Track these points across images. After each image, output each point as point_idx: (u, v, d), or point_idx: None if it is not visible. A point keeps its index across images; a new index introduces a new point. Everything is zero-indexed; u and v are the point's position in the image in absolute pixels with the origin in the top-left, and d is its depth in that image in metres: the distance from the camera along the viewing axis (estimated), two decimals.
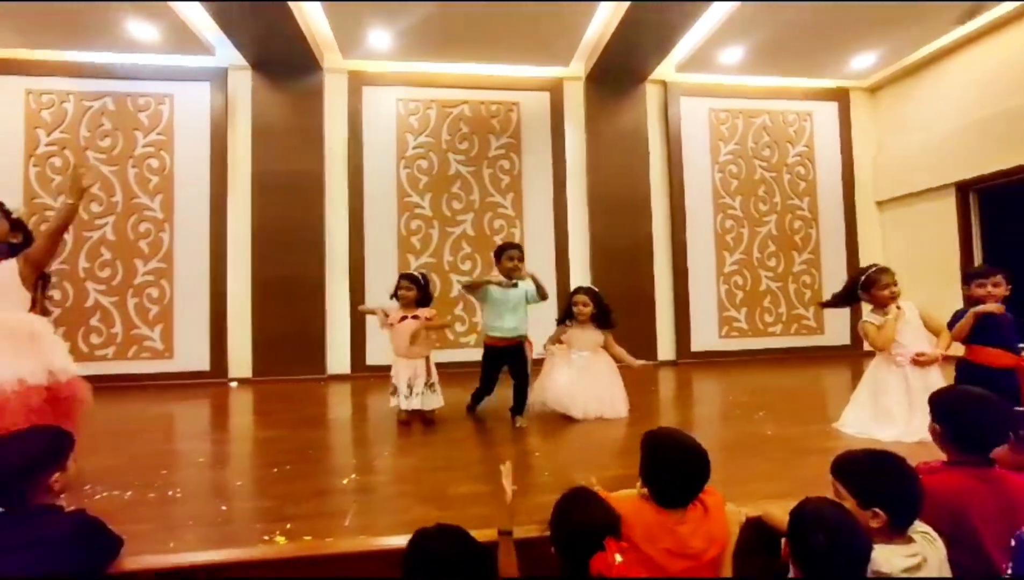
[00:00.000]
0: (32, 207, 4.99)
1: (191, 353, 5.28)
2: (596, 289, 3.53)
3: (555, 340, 3.50)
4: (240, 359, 5.35)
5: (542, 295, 3.28)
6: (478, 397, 3.45)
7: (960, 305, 2.93)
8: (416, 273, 3.36)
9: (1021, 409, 1.78)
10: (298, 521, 1.79)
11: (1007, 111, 4.96)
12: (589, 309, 3.36)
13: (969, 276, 2.91)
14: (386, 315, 3.30)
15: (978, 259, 5.40)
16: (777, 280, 6.28)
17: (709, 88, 6.19)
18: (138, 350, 5.23)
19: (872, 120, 6.56)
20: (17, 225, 2.19)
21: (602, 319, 3.40)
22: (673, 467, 1.49)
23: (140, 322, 5.24)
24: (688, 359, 5.94)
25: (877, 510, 1.32)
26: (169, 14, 4.62)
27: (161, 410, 4.11)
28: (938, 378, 2.74)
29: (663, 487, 1.49)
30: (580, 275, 5.85)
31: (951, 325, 2.83)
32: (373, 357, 5.43)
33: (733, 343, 6.12)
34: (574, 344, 3.43)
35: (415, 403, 3.16)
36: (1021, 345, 2.67)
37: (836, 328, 6.24)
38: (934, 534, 1.37)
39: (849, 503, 1.36)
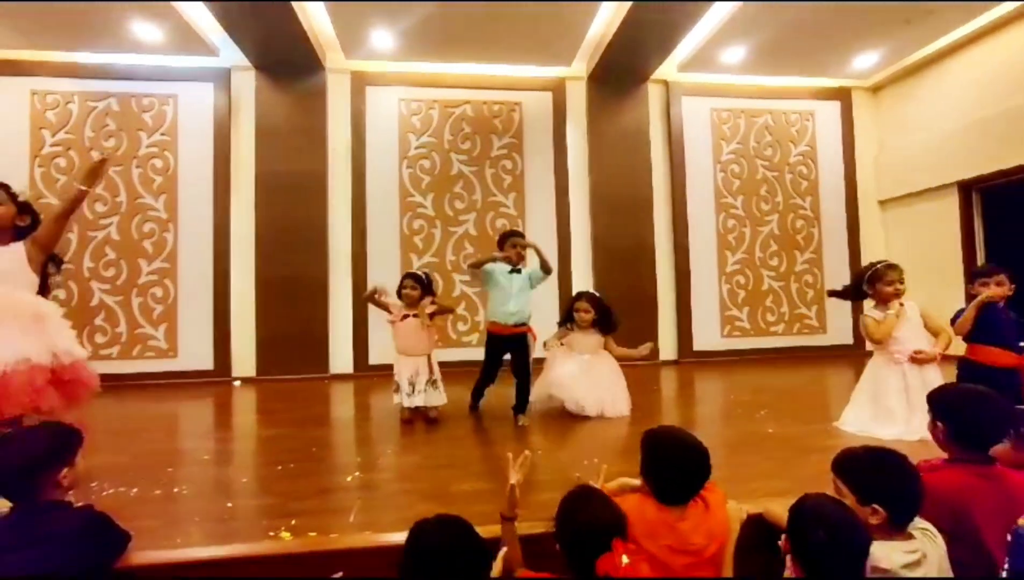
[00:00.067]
0: (38, 207, 5.01)
1: (195, 352, 5.31)
2: (597, 294, 3.56)
3: (557, 341, 3.52)
4: (244, 358, 5.37)
5: (546, 269, 3.30)
6: (479, 391, 3.43)
7: (963, 304, 2.92)
8: (420, 272, 3.37)
9: (1022, 407, 1.78)
10: (303, 517, 1.80)
11: (1009, 110, 4.96)
12: (590, 316, 3.39)
13: (973, 275, 2.92)
14: (390, 312, 3.31)
15: (980, 259, 5.39)
16: (779, 279, 6.28)
17: (711, 88, 6.20)
18: (142, 349, 5.26)
19: (874, 119, 6.56)
20: (24, 208, 2.17)
21: (604, 324, 3.42)
22: (674, 465, 1.51)
23: (144, 321, 5.27)
24: (690, 359, 5.94)
25: (876, 507, 1.33)
26: (173, 15, 4.65)
27: (165, 409, 4.14)
28: (936, 377, 2.74)
29: (664, 484, 1.51)
30: (582, 274, 5.87)
31: (954, 322, 2.83)
32: (376, 356, 5.45)
33: (735, 343, 6.12)
34: (575, 347, 3.46)
35: (418, 400, 3.18)
36: (1022, 344, 2.68)
37: (838, 327, 6.24)
38: (934, 530, 1.38)
39: (849, 500, 1.37)
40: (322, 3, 4.64)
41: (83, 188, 2.07)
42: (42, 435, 1.39)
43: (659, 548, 1.43)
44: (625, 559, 1.21)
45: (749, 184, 6.29)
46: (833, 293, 3.24)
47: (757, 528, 1.64)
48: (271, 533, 1.69)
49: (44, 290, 2.21)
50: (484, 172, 5.84)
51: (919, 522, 1.38)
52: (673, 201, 6.10)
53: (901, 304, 2.84)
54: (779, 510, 1.55)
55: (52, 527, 1.31)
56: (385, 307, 3.34)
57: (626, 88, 5.93)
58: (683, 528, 1.46)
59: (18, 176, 5.11)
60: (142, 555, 1.51)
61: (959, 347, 2.90)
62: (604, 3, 4.74)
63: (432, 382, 3.23)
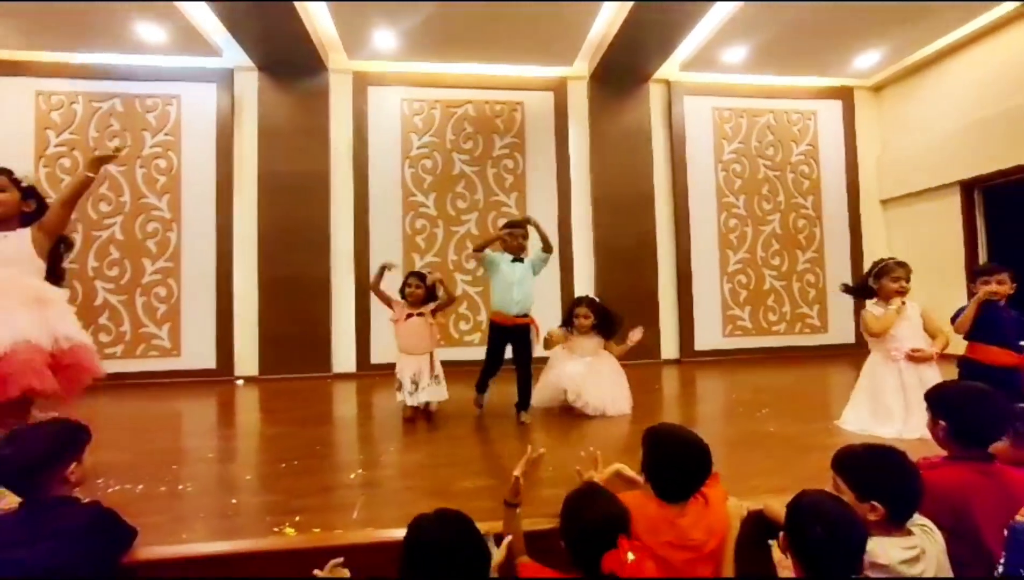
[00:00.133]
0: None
1: (198, 351, 5.34)
2: (597, 299, 3.58)
3: (561, 340, 3.52)
4: (246, 357, 5.40)
5: (547, 248, 3.32)
6: (483, 384, 3.41)
7: (964, 303, 2.93)
8: (424, 271, 3.38)
9: (1020, 405, 1.79)
10: (306, 514, 1.82)
11: (1011, 109, 4.95)
12: (590, 321, 3.42)
13: (975, 273, 2.93)
14: (393, 310, 3.32)
15: (983, 258, 5.38)
16: (781, 279, 6.28)
17: (713, 87, 6.20)
18: (146, 348, 5.29)
19: (876, 119, 6.55)
20: (29, 193, 2.14)
21: (604, 327, 3.45)
22: (675, 462, 1.52)
23: (148, 321, 5.30)
24: (692, 358, 5.95)
25: (875, 503, 1.34)
26: (176, 16, 4.67)
27: (169, 407, 4.16)
28: (934, 376, 2.73)
29: (665, 481, 1.52)
30: (584, 274, 5.88)
31: (954, 320, 2.84)
32: (378, 356, 5.47)
33: (737, 342, 6.12)
34: (576, 350, 3.48)
35: (422, 397, 3.20)
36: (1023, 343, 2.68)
37: (840, 327, 6.24)
38: (932, 526, 1.39)
39: (848, 496, 1.38)
40: (324, 4, 4.66)
41: (88, 174, 2.06)
42: (51, 431, 1.41)
43: (660, 544, 1.44)
44: (631, 555, 1.22)
45: (751, 183, 6.29)
46: (846, 288, 3.23)
47: (757, 525, 1.65)
48: (275, 529, 1.71)
49: (58, 273, 2.19)
50: (486, 172, 5.86)
51: (918, 519, 1.39)
52: (675, 200, 6.11)
53: (903, 302, 2.85)
54: (779, 507, 1.55)
55: (60, 522, 1.33)
56: (388, 302, 3.34)
57: (628, 88, 5.94)
58: (683, 524, 1.47)
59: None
60: (148, 550, 1.53)
61: (959, 346, 2.91)
62: (605, 3, 4.74)
63: (435, 378, 3.25)
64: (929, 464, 1.65)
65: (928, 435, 2.38)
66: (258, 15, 4.47)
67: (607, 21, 5.08)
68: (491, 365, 3.37)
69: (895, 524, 1.36)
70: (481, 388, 3.43)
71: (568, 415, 3.34)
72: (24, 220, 2.09)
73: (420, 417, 3.27)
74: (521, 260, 3.30)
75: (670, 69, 5.94)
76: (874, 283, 2.91)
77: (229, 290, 5.41)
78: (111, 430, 3.12)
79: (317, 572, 1.40)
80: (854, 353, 5.93)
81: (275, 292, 5.40)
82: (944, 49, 5.58)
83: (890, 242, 6.38)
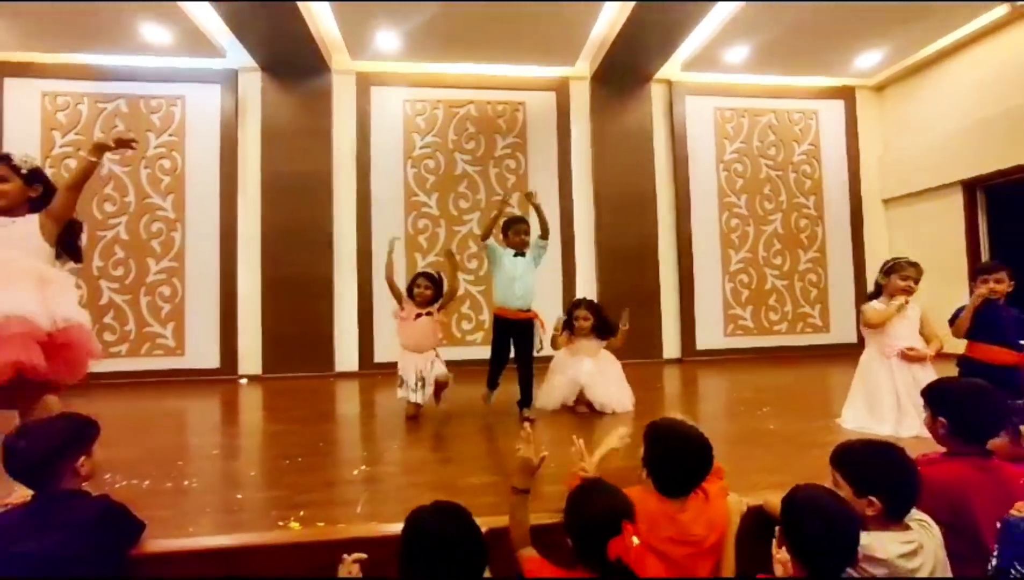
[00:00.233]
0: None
1: (202, 350, 5.38)
2: (595, 302, 3.61)
3: (565, 343, 3.54)
4: (250, 356, 5.43)
5: (544, 233, 3.35)
6: (493, 381, 3.42)
7: (966, 302, 2.94)
8: (433, 272, 3.39)
9: (1020, 402, 1.80)
10: (311, 509, 1.84)
11: (1013, 109, 4.95)
12: (589, 323, 3.44)
13: (975, 272, 2.94)
14: (402, 308, 3.33)
15: (985, 257, 5.38)
16: (783, 278, 6.29)
17: (714, 87, 6.21)
18: (151, 347, 5.32)
19: (878, 118, 6.56)
20: (33, 177, 2.04)
21: (602, 329, 3.47)
22: (676, 457, 1.53)
23: (152, 320, 5.34)
24: (693, 357, 5.96)
25: (872, 498, 1.36)
26: (181, 17, 4.71)
27: (173, 406, 4.19)
28: (927, 376, 2.68)
29: (666, 476, 1.53)
30: (585, 273, 5.90)
31: (953, 318, 2.85)
32: (381, 354, 5.50)
33: (738, 341, 6.13)
34: (579, 352, 3.51)
35: (425, 395, 3.21)
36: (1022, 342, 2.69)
37: (842, 326, 6.25)
38: (930, 521, 1.40)
39: (846, 492, 1.39)
40: (327, 5, 4.69)
41: (91, 159, 2.02)
42: (61, 425, 1.44)
43: (660, 540, 1.45)
44: (636, 540, 1.21)
45: (753, 183, 6.30)
46: (871, 296, 3.15)
47: (757, 520, 1.66)
48: (280, 523, 1.73)
49: (75, 251, 2.16)
50: (488, 172, 5.88)
51: (915, 514, 1.41)
52: (676, 200, 6.12)
53: (906, 301, 2.85)
54: (778, 502, 1.56)
55: (71, 515, 1.35)
56: (400, 299, 3.34)
57: (629, 88, 5.96)
58: (684, 519, 1.48)
59: None
60: (156, 543, 1.55)
61: (959, 345, 2.92)
62: (607, 3, 4.76)
63: (434, 361, 3.26)
64: (927, 460, 1.67)
65: (923, 433, 2.40)
66: (262, 16, 4.50)
67: (609, 21, 5.10)
68: (498, 360, 3.39)
69: (893, 519, 1.38)
70: (492, 384, 3.44)
71: (571, 413, 3.36)
72: (33, 206, 2.04)
73: (423, 415, 3.29)
74: (523, 254, 3.33)
75: (672, 69, 5.95)
76: (883, 279, 2.92)
77: (233, 290, 5.45)
78: (117, 428, 3.14)
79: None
80: (856, 353, 5.83)
81: (278, 292, 5.43)
82: (946, 49, 5.59)
83: (892, 242, 6.39)
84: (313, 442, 2.81)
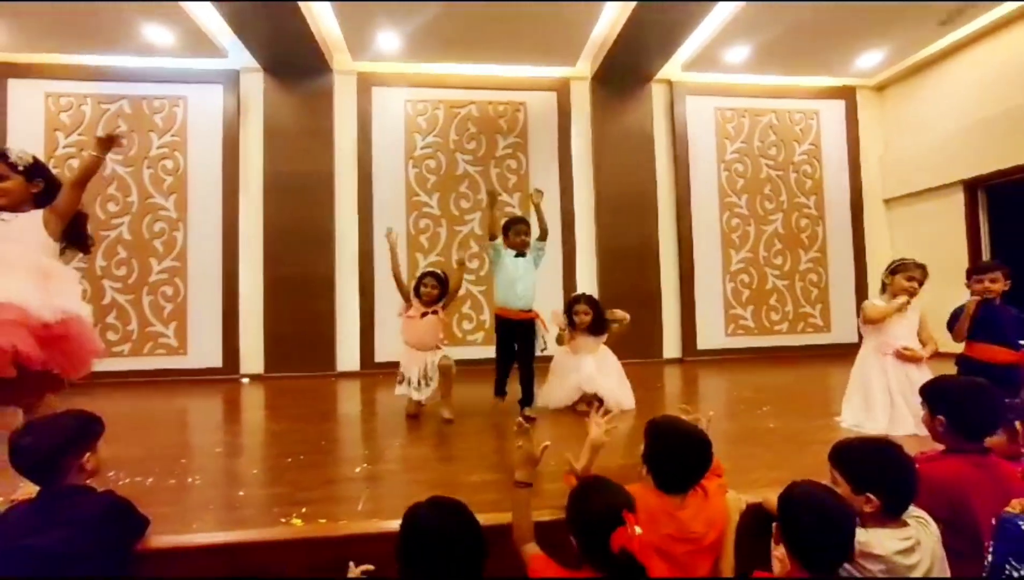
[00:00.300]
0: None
1: (204, 350, 5.40)
2: (593, 297, 3.61)
3: (568, 339, 3.55)
4: (252, 356, 5.45)
5: (543, 234, 3.37)
6: (502, 385, 3.42)
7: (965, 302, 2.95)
8: (439, 271, 3.39)
9: (1017, 400, 1.81)
10: (312, 506, 1.85)
11: (1014, 109, 4.96)
12: (589, 317, 3.45)
13: (968, 272, 2.95)
14: (408, 306, 3.33)
15: (986, 257, 5.38)
16: (783, 278, 6.29)
17: (715, 87, 6.22)
18: (153, 347, 5.34)
19: (879, 118, 6.56)
20: (33, 172, 2.01)
21: (597, 326, 3.48)
22: (676, 453, 1.54)
23: (155, 319, 5.36)
24: (694, 357, 5.97)
25: (870, 495, 1.37)
26: (184, 18, 4.73)
27: (176, 405, 4.21)
28: (921, 376, 2.67)
29: (666, 473, 1.54)
30: (586, 273, 5.91)
31: (951, 321, 2.85)
32: (382, 354, 5.52)
33: (739, 341, 6.14)
34: (579, 350, 3.52)
35: (427, 393, 3.22)
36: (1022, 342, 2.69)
37: (842, 326, 6.25)
38: (927, 518, 1.41)
39: (843, 488, 1.41)
40: (328, 5, 4.71)
41: (96, 155, 2.02)
42: (66, 421, 1.45)
43: (660, 537, 1.46)
44: (638, 529, 1.21)
45: (753, 183, 6.30)
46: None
47: (756, 517, 1.67)
48: (282, 520, 1.74)
49: (83, 242, 2.16)
50: (489, 172, 5.89)
51: (913, 510, 1.42)
52: (677, 200, 6.13)
53: (907, 301, 2.86)
54: (776, 499, 1.58)
55: (76, 511, 1.37)
56: (407, 296, 3.34)
57: (630, 88, 5.97)
58: (683, 516, 1.49)
59: None
60: (160, 539, 1.57)
61: (956, 345, 2.93)
62: (608, 3, 4.77)
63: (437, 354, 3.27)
64: (926, 458, 1.68)
65: (916, 431, 2.41)
66: (264, 17, 4.52)
67: (609, 21, 5.11)
68: (504, 361, 3.39)
69: (890, 516, 1.39)
70: (500, 391, 3.41)
71: (572, 412, 3.37)
72: (38, 202, 2.03)
73: (424, 413, 3.30)
74: (523, 255, 3.35)
75: (672, 69, 5.96)
76: (888, 278, 2.94)
77: (235, 289, 5.47)
78: (120, 426, 3.15)
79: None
80: (856, 352, 5.94)
81: (280, 291, 5.45)
82: (947, 49, 5.59)
83: (893, 242, 6.39)
84: (315, 440, 2.82)
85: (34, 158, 2.06)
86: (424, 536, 1.22)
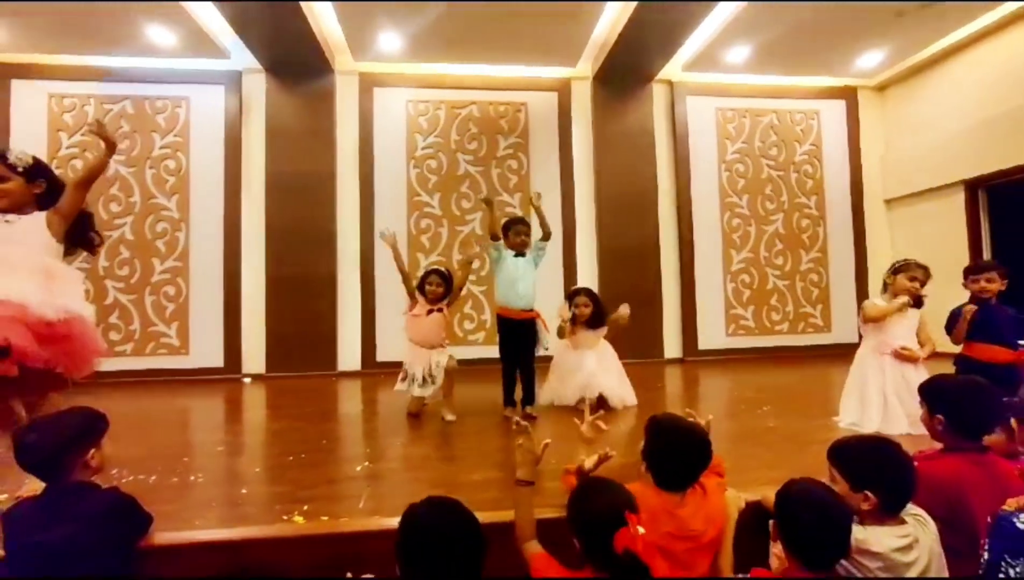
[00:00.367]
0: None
1: (206, 350, 5.42)
2: (592, 290, 3.65)
3: (568, 330, 3.56)
4: (253, 355, 5.47)
5: (546, 235, 3.38)
6: (510, 393, 3.38)
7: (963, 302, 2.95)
8: (443, 269, 3.40)
9: (1015, 399, 1.82)
10: (314, 503, 1.86)
11: (1015, 109, 4.96)
12: (589, 310, 3.47)
13: (965, 271, 2.95)
14: (414, 304, 3.34)
15: (987, 257, 5.38)
16: (784, 278, 6.30)
17: (716, 87, 6.23)
18: (155, 346, 5.37)
19: (880, 118, 6.56)
20: (34, 173, 2.00)
21: (596, 319, 3.50)
22: (676, 451, 1.55)
23: (157, 319, 5.38)
24: (695, 357, 5.97)
25: (868, 493, 1.37)
26: (186, 19, 4.75)
27: (178, 404, 4.23)
28: (918, 377, 2.65)
29: (666, 470, 1.55)
30: (587, 273, 5.92)
31: (949, 322, 2.86)
32: (383, 354, 5.53)
33: (740, 341, 6.14)
34: (580, 344, 3.54)
35: (430, 390, 3.22)
36: (1022, 342, 2.70)
37: (843, 326, 6.25)
38: (925, 516, 1.42)
39: (841, 486, 1.41)
40: (330, 6, 4.72)
41: (102, 158, 2.03)
42: (71, 418, 1.47)
43: (661, 536, 1.46)
44: (641, 529, 1.21)
45: (754, 183, 6.31)
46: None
47: (755, 515, 1.68)
48: (284, 517, 1.75)
49: (89, 242, 2.15)
50: (490, 172, 5.91)
51: (911, 508, 1.43)
52: (678, 200, 6.14)
53: (908, 302, 2.86)
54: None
55: (81, 507, 1.38)
56: (413, 293, 3.35)
57: (631, 88, 5.98)
58: (682, 514, 1.50)
59: None
60: (164, 536, 1.58)
61: (952, 347, 2.93)
62: (609, 3, 4.78)
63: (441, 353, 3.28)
64: (924, 456, 1.69)
65: (910, 431, 2.41)
66: (266, 18, 4.54)
67: (610, 22, 5.12)
68: (509, 362, 3.38)
69: (888, 514, 1.39)
70: (509, 401, 3.36)
71: (572, 411, 3.38)
72: (41, 203, 2.02)
73: (425, 412, 3.32)
74: (523, 255, 3.36)
75: (673, 69, 5.97)
76: (890, 278, 2.94)
77: (236, 289, 5.49)
78: (123, 425, 3.15)
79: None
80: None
81: (282, 291, 5.47)
82: (948, 49, 5.59)
83: (894, 242, 6.39)
84: (316, 439, 2.83)
85: (34, 159, 2.06)
86: (422, 534, 1.22)
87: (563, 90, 6.04)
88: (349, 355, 5.60)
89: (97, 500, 1.43)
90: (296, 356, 5.43)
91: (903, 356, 2.80)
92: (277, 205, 5.53)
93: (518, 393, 3.37)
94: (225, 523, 1.74)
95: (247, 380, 5.27)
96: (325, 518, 1.74)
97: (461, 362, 3.32)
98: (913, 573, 1.33)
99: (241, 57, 5.36)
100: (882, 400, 2.77)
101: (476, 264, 5.74)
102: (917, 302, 2.91)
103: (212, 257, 5.48)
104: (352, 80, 5.77)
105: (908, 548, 1.35)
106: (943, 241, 5.67)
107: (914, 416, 2.24)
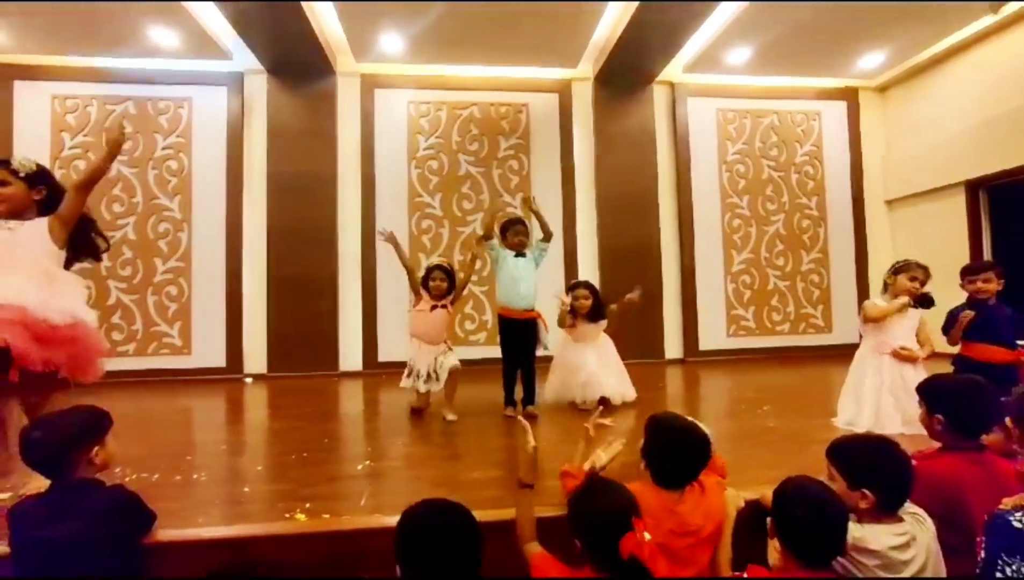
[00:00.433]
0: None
1: (208, 349, 5.43)
2: (592, 283, 3.66)
3: (568, 321, 3.56)
4: (255, 356, 5.48)
5: (546, 236, 3.40)
6: (510, 391, 3.41)
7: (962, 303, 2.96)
8: (446, 264, 3.41)
9: (1011, 398, 1.82)
10: (316, 501, 1.88)
11: (1016, 110, 4.96)
12: (590, 302, 3.48)
13: (962, 272, 2.96)
14: (418, 299, 3.35)
15: (988, 258, 5.38)
16: (785, 279, 6.30)
17: (716, 88, 6.24)
18: (157, 346, 5.39)
19: (881, 119, 6.56)
20: (36, 179, 2.01)
21: (596, 312, 3.51)
22: (676, 449, 1.56)
23: (159, 319, 5.40)
24: (696, 358, 5.98)
25: (866, 491, 1.38)
26: (189, 20, 4.77)
27: (180, 404, 4.25)
28: (916, 377, 2.65)
29: (664, 468, 1.56)
30: (588, 274, 5.90)
31: (947, 323, 2.86)
32: (385, 354, 5.55)
33: (741, 342, 6.15)
34: (581, 338, 3.55)
35: (434, 386, 3.23)
36: (1021, 342, 2.70)
37: (844, 327, 6.25)
38: (923, 514, 1.43)
39: (839, 484, 1.42)
40: (331, 7, 4.74)
41: (104, 165, 2.04)
42: (75, 416, 1.48)
43: (662, 533, 1.47)
44: (647, 535, 1.23)
45: (755, 184, 6.32)
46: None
47: (754, 513, 1.69)
48: (286, 515, 1.77)
49: (91, 250, 2.17)
50: (491, 173, 5.92)
51: (909, 506, 1.44)
52: (679, 201, 6.15)
53: (909, 302, 2.87)
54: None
55: (86, 503, 1.40)
56: (417, 288, 3.36)
57: (632, 89, 5.99)
58: (682, 511, 1.51)
59: None
60: (167, 533, 1.60)
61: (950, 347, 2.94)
62: (610, 3, 4.79)
63: (446, 352, 3.29)
64: (923, 455, 1.70)
65: (904, 430, 2.42)
66: (267, 19, 4.56)
67: (611, 23, 5.13)
68: (511, 362, 3.40)
69: (886, 512, 1.40)
70: (510, 400, 3.39)
71: (574, 408, 3.39)
72: (42, 209, 2.03)
73: (428, 408, 3.34)
74: (523, 255, 3.38)
75: (674, 71, 5.98)
76: (890, 278, 2.95)
77: (238, 289, 5.51)
78: (125, 424, 3.14)
79: None
80: None
81: (283, 291, 5.49)
82: (949, 49, 5.59)
83: (895, 242, 6.39)
84: (318, 439, 2.85)
85: (38, 166, 2.07)
86: (419, 535, 1.23)
87: (564, 91, 6.05)
88: (351, 355, 5.62)
89: (101, 497, 1.45)
90: (298, 356, 5.45)
91: (902, 356, 2.81)
92: (279, 205, 5.55)
93: (519, 393, 3.39)
94: (228, 521, 1.75)
95: (249, 380, 5.28)
96: (327, 516, 1.76)
97: (462, 362, 3.33)
98: (910, 571, 1.34)
99: (243, 58, 5.38)
100: (877, 399, 2.77)
101: (477, 263, 5.76)
102: (927, 302, 2.90)
103: (214, 257, 5.50)
104: (354, 81, 5.79)
105: (905, 546, 1.36)
106: (944, 242, 5.67)
107: (912, 416, 2.25)
